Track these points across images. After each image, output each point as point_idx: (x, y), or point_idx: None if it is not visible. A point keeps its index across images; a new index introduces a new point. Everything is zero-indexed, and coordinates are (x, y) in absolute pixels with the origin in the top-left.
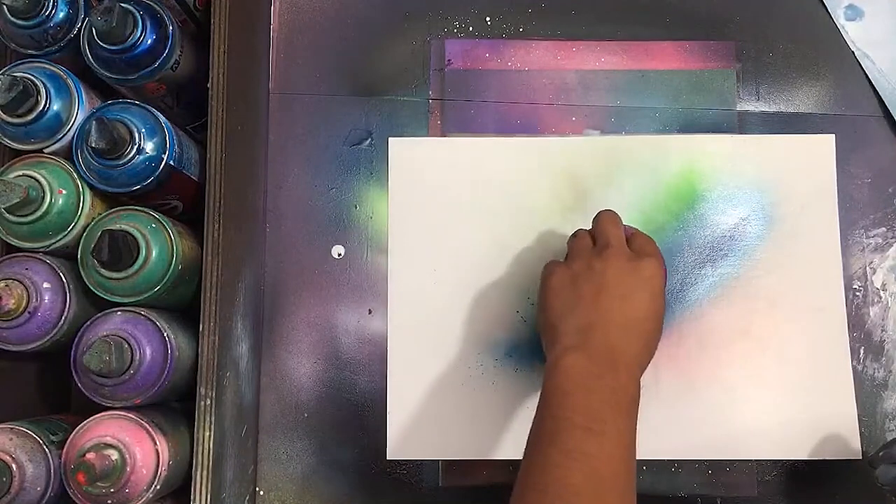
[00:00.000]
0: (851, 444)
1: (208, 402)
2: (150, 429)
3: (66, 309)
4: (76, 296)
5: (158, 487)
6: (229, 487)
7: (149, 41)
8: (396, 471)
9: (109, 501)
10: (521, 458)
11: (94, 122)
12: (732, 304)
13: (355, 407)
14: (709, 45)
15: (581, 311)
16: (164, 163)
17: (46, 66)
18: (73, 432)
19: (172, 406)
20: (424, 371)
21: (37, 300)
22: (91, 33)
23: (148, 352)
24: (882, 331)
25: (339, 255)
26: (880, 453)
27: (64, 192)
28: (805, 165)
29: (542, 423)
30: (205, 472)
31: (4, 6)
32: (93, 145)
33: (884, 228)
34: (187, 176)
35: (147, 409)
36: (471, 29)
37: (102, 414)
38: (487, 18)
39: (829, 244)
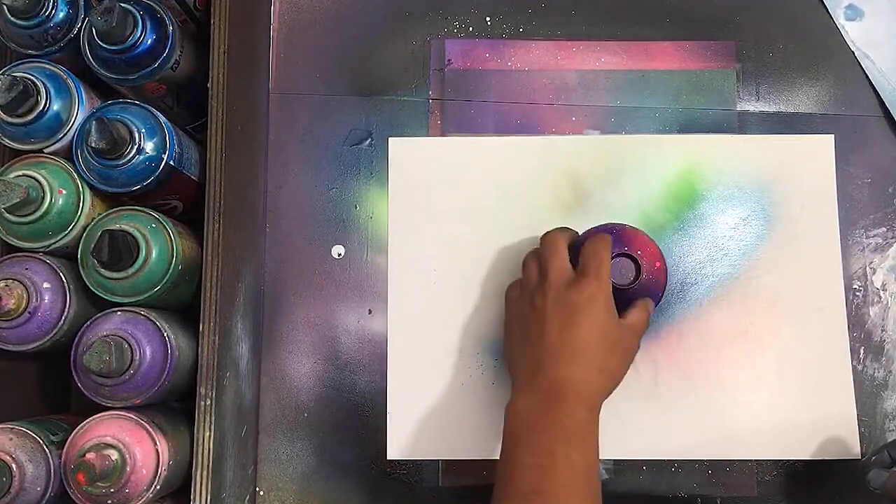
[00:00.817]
0: (851, 444)
1: (208, 402)
2: (150, 429)
3: (66, 309)
4: (76, 296)
5: (158, 487)
6: (229, 487)
7: (149, 41)
8: (396, 471)
9: (109, 501)
10: None
11: (94, 122)
12: (732, 304)
13: (355, 407)
14: (709, 45)
15: (528, 351)
16: (164, 163)
17: (46, 66)
18: (73, 432)
19: (172, 406)
20: (424, 371)
21: (37, 300)
22: (91, 33)
23: (148, 352)
24: (882, 331)
25: (339, 255)
26: (872, 458)
27: (64, 192)
28: (805, 165)
29: (500, 468)
30: (205, 472)
31: (4, 6)
32: (93, 145)
33: (884, 228)
34: (187, 176)
35: (147, 409)
36: (471, 29)
37: (102, 414)
38: (487, 18)
39: (829, 244)
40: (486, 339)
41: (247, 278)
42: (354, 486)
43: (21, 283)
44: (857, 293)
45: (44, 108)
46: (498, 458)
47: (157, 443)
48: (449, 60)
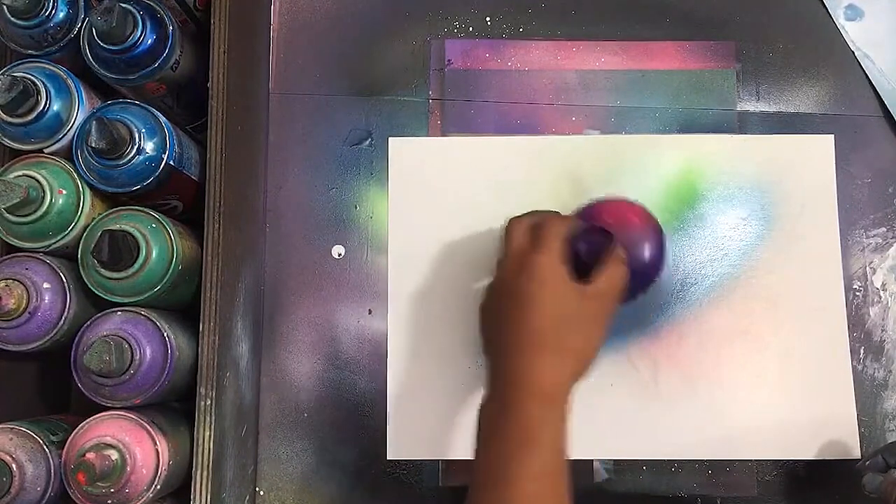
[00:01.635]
0: (851, 444)
1: (208, 402)
2: (150, 429)
3: (66, 309)
4: (76, 296)
5: (158, 487)
6: (229, 487)
7: (149, 41)
8: (396, 471)
9: (109, 501)
10: None
11: (94, 122)
12: (732, 304)
13: (355, 407)
14: (709, 45)
15: (490, 348)
16: (164, 163)
17: (46, 66)
18: (73, 432)
19: (172, 406)
20: (424, 371)
21: (37, 300)
22: (91, 33)
23: (148, 352)
24: (882, 331)
25: (339, 255)
26: (867, 462)
27: (64, 192)
28: (805, 165)
29: (472, 472)
30: (205, 472)
31: (4, 6)
32: (93, 145)
33: (884, 228)
34: (187, 176)
35: (147, 409)
36: (471, 29)
37: (102, 414)
38: (487, 18)
39: (829, 244)
40: None
41: (247, 278)
42: (354, 486)
43: (21, 283)
44: (857, 293)
45: (44, 108)
46: None
47: (157, 443)
48: (449, 60)
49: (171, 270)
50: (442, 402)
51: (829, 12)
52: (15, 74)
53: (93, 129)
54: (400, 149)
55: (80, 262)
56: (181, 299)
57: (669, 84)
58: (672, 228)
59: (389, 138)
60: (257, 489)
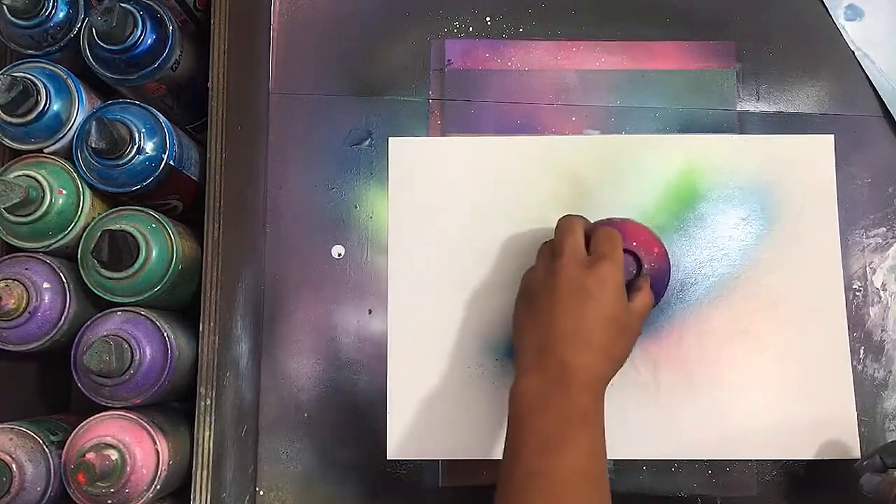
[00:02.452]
0: (851, 444)
1: (208, 402)
2: (150, 429)
3: (66, 309)
4: (76, 296)
5: (158, 487)
6: (229, 487)
7: (149, 41)
8: (396, 471)
9: (109, 501)
10: None
11: (94, 122)
12: (732, 304)
13: (355, 407)
14: (709, 45)
15: (536, 331)
16: (164, 163)
17: (46, 66)
18: (73, 432)
19: (172, 406)
20: (424, 371)
21: (37, 300)
22: (91, 33)
23: (148, 352)
24: (882, 331)
25: (339, 255)
26: (864, 462)
27: (64, 192)
28: (805, 165)
29: (506, 449)
30: (205, 472)
31: (4, 6)
32: (93, 145)
33: (884, 228)
34: (187, 176)
35: (147, 409)
36: (471, 29)
37: (102, 414)
38: (487, 18)
39: (829, 244)
40: (487, 339)
41: (247, 278)
42: (354, 486)
43: (21, 283)
44: (857, 293)
45: (44, 108)
46: (497, 458)
47: (157, 443)
48: (449, 60)
49: (171, 270)
50: (442, 402)
51: (829, 12)
52: (15, 74)
53: (93, 129)
54: (400, 149)
55: (80, 262)
56: (181, 299)
57: (669, 84)
58: (672, 228)
59: (389, 138)
60: (257, 489)
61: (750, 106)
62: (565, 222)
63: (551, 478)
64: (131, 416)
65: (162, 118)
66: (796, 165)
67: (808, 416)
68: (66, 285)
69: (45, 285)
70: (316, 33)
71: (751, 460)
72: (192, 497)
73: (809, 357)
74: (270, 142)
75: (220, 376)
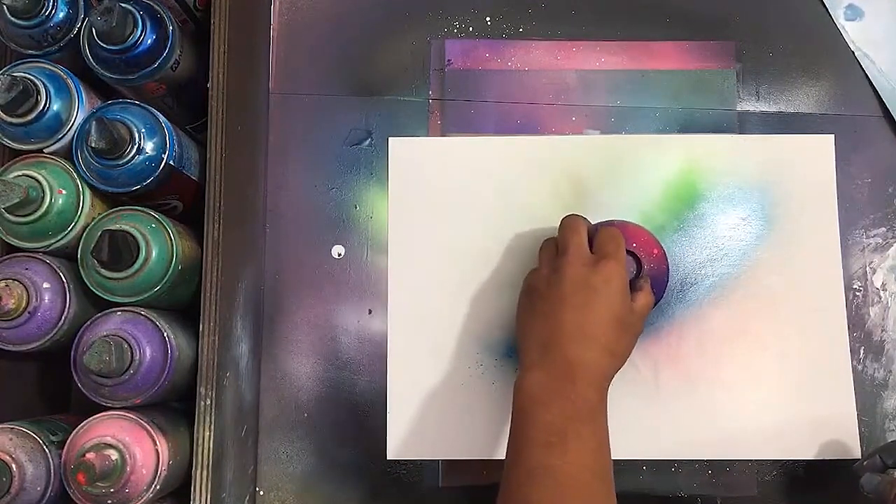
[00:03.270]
0: (851, 444)
1: (208, 402)
2: (150, 429)
3: (66, 309)
4: (76, 296)
5: (158, 487)
6: (229, 487)
7: (149, 41)
8: (396, 471)
9: (109, 501)
10: None
11: (94, 122)
12: (732, 304)
13: (355, 407)
14: (709, 45)
15: (541, 327)
16: (164, 163)
17: (46, 66)
18: (73, 432)
19: (172, 406)
20: (424, 371)
21: (37, 300)
22: (91, 33)
23: (148, 352)
24: (882, 331)
25: (339, 255)
26: (864, 462)
27: (64, 192)
28: (805, 165)
29: (510, 444)
30: (205, 472)
31: (4, 6)
32: (93, 145)
33: (884, 228)
34: (187, 176)
35: (147, 409)
36: (471, 29)
37: (102, 414)
38: (487, 18)
39: (829, 244)
40: (487, 339)
41: (247, 278)
42: (354, 486)
43: (21, 283)
44: (857, 293)
45: (44, 108)
46: (498, 458)
47: (157, 443)
48: (449, 60)
49: (171, 270)
50: (442, 402)
51: (829, 12)
52: (15, 74)
53: (93, 129)
54: (400, 149)
55: (80, 262)
56: (181, 299)
57: (669, 84)
58: (672, 228)
59: (389, 138)
60: (257, 489)
61: (750, 106)
62: (569, 221)
63: (556, 472)
64: (131, 416)
65: (162, 118)
66: (796, 165)
67: (808, 416)
68: (66, 285)
69: (45, 285)
70: (316, 33)
71: (751, 460)
72: (192, 497)
73: (809, 357)
74: (270, 142)
75: (220, 376)
